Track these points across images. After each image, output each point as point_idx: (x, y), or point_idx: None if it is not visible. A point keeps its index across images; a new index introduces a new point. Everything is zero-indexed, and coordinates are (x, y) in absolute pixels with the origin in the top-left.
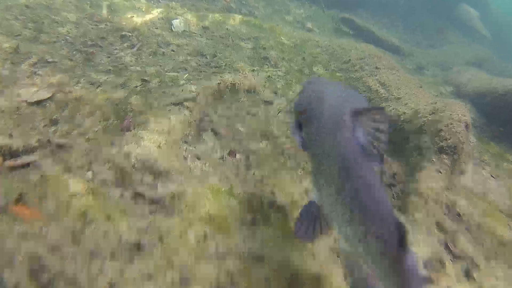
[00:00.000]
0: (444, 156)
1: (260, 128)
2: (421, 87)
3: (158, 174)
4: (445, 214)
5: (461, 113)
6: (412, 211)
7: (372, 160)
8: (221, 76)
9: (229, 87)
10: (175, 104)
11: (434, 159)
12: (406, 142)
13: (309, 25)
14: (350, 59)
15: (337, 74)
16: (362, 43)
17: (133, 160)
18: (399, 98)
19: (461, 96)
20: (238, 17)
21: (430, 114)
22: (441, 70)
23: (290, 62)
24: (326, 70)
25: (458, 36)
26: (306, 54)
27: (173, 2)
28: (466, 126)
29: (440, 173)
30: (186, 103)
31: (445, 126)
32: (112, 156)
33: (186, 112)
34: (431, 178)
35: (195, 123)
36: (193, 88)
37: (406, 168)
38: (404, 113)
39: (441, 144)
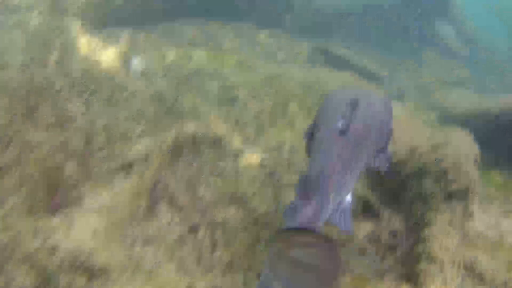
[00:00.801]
0: (455, 203)
1: (229, 189)
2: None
3: (93, 273)
4: (466, 277)
5: (467, 145)
6: (427, 283)
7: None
8: (180, 127)
9: (190, 140)
10: (122, 168)
11: (443, 209)
12: (404, 188)
13: (281, 56)
14: (327, 92)
15: (314, 111)
16: (339, 73)
17: (60, 256)
18: None
19: (449, 121)
20: (204, 53)
21: (430, 151)
22: (422, 94)
23: (262, 100)
24: (301, 106)
25: (436, 56)
26: (279, 90)
27: (134, 38)
28: (475, 161)
29: (452, 225)
30: (135, 166)
31: (451, 166)
32: (33, 252)
33: (135, 178)
34: (443, 235)
35: (146, 192)
36: (145, 144)
37: (409, 223)
38: (395, 152)
39: (450, 189)
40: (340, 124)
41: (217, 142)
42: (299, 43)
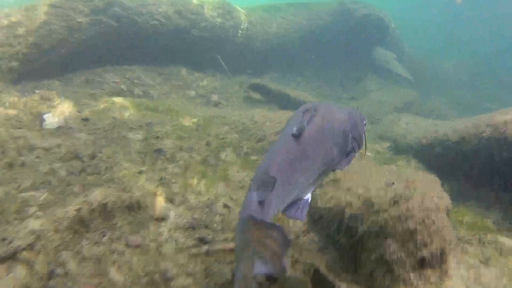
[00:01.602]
0: (428, 271)
1: (148, 267)
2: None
3: None
4: None
5: (435, 195)
6: None
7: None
8: (87, 195)
9: (99, 209)
10: (5, 258)
11: (412, 279)
12: (361, 252)
13: (215, 97)
14: (265, 135)
15: (252, 157)
16: (278, 111)
17: None
18: (337, 181)
19: (402, 150)
20: (127, 101)
21: (391, 206)
22: (370, 123)
23: (190, 151)
24: (237, 154)
25: (379, 82)
26: (212, 137)
27: (50, 91)
28: (448, 213)
29: None
30: (24, 253)
31: (419, 226)
32: None
33: (22, 270)
34: None
35: (39, 285)
36: (39, 222)
37: None
38: (351, 204)
39: (420, 253)
40: (294, 129)
41: (134, 207)
42: (234, 81)
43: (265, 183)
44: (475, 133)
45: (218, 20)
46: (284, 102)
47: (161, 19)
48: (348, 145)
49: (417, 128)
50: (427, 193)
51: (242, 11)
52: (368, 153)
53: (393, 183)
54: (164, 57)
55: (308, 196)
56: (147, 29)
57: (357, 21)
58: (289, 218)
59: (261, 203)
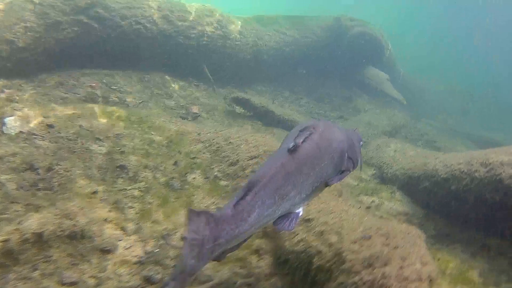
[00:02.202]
0: None
1: None
2: (340, 196)
3: None
4: None
5: (418, 259)
6: None
7: None
8: (20, 222)
9: (33, 239)
10: None
11: None
12: None
13: (195, 109)
14: (238, 159)
15: (221, 183)
16: (256, 134)
17: None
18: (309, 221)
19: (387, 180)
20: (99, 108)
21: (364, 268)
22: None
23: (155, 170)
24: (206, 177)
25: (370, 103)
26: (182, 155)
27: (18, 91)
28: (431, 283)
29: None
30: None
31: None
32: None
33: None
34: None
35: None
36: None
37: None
38: (320, 253)
39: None
40: (291, 145)
41: (77, 236)
42: (219, 93)
43: (249, 190)
44: (467, 171)
45: (208, 28)
46: (268, 119)
47: (146, 24)
48: (344, 164)
49: (405, 157)
50: (408, 256)
51: (235, 20)
52: (352, 181)
53: (370, 236)
54: (147, 63)
55: (300, 210)
56: (130, 33)
57: (352, 39)
58: (279, 230)
59: (236, 206)
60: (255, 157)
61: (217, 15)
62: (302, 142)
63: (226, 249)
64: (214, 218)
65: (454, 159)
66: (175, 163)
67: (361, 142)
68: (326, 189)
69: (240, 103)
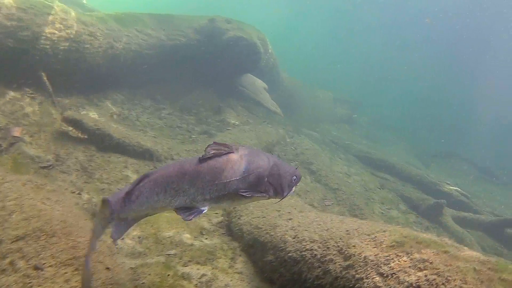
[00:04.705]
0: None
1: None
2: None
3: None
4: None
5: None
6: None
7: None
8: None
9: None
10: None
11: None
12: None
13: (16, 132)
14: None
15: None
16: (39, 194)
17: None
18: None
19: (234, 233)
20: None
21: None
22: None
23: None
24: None
25: (242, 115)
26: None
27: None
28: None
29: None
30: None
31: None
32: None
33: None
34: None
35: None
36: None
37: None
38: None
39: None
40: (202, 155)
41: None
42: (60, 106)
43: (141, 180)
44: (321, 257)
45: (47, 30)
46: (106, 144)
47: None
48: (262, 187)
49: (259, 204)
50: None
51: (86, 19)
52: (187, 239)
53: None
54: None
55: (205, 209)
56: None
57: (227, 43)
58: (183, 218)
59: (128, 191)
60: (22, 239)
61: (60, 12)
62: (214, 156)
63: (129, 220)
64: (112, 198)
65: (310, 229)
66: None
67: (294, 177)
68: None
69: (72, 123)
